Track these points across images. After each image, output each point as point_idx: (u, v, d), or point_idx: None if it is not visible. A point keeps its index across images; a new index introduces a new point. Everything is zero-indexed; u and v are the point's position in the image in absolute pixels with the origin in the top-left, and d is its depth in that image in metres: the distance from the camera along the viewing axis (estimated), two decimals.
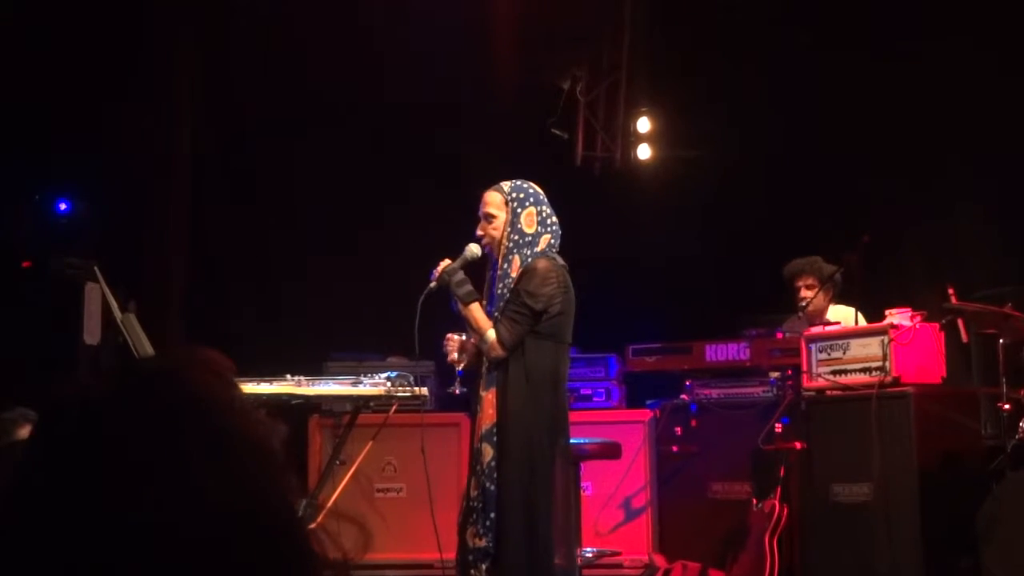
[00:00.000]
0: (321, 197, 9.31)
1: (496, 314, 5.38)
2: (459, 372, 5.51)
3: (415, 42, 9.08)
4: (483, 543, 5.26)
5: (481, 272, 5.59)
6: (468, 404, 5.71)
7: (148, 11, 8.84)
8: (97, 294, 5.66)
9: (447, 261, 5.47)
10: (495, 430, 5.32)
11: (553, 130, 9.61)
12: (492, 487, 5.27)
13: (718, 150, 9.19)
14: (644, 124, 9.76)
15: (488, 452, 5.30)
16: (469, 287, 5.45)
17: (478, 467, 5.33)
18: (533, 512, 5.27)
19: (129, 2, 8.67)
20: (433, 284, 5.44)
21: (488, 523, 5.26)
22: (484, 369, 5.42)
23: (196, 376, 1.14)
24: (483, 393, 5.39)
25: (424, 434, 5.98)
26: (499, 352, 5.35)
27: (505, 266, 5.40)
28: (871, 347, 6.56)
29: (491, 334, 5.35)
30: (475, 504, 5.32)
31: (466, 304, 5.41)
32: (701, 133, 9.43)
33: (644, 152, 9.77)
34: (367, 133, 9.42)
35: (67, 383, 1.14)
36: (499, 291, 5.40)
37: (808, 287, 7.59)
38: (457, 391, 5.58)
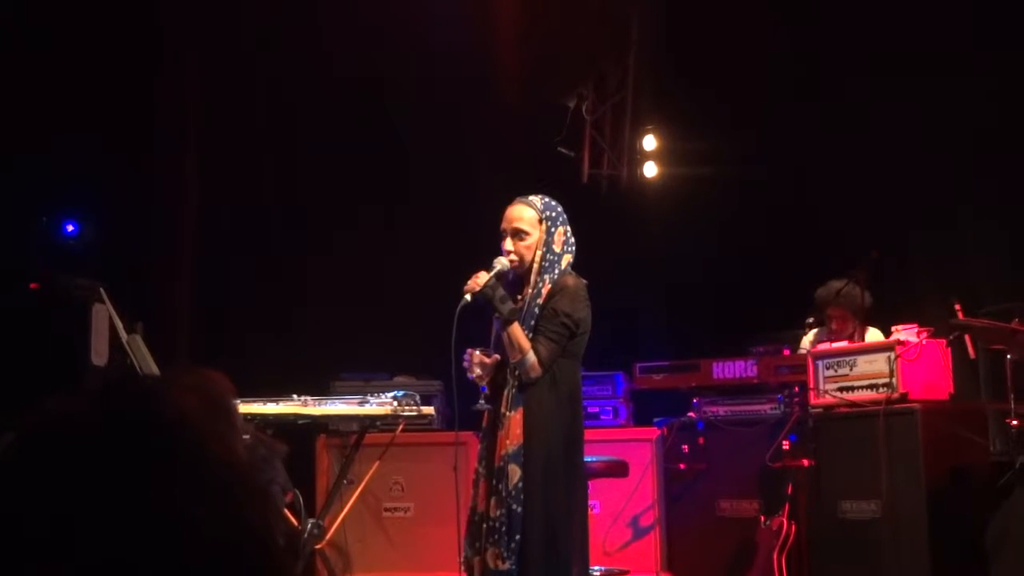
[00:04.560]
0: (328, 217, 9.32)
1: (528, 333, 5.24)
2: (483, 388, 5.35)
3: (420, 62, 9.10)
4: (506, 566, 5.11)
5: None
6: (476, 422, 5.63)
7: (157, 34, 8.87)
8: (104, 315, 5.67)
9: (483, 273, 5.27)
10: (522, 450, 5.18)
11: (560, 148, 9.62)
12: (519, 509, 5.13)
13: (724, 167, 9.19)
14: (650, 142, 9.77)
15: (515, 473, 5.15)
16: (512, 304, 5.27)
17: (501, 487, 5.18)
18: (554, 530, 5.17)
19: (138, 25, 8.69)
20: (469, 297, 5.22)
21: (513, 545, 5.12)
22: (511, 388, 5.25)
23: (175, 399, 1.13)
24: (510, 413, 5.22)
25: (434, 454, 5.97)
26: (539, 372, 5.21)
27: (539, 285, 5.29)
28: (878, 363, 6.56)
29: (532, 355, 5.21)
30: (496, 525, 5.17)
31: (510, 322, 5.22)
32: (707, 151, 9.43)
33: (650, 170, 9.78)
34: (373, 153, 9.44)
35: (42, 401, 1.13)
36: (531, 309, 5.27)
37: (840, 318, 7.55)
38: (484, 407, 5.39)
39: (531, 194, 5.45)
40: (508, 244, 5.35)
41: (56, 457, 1.08)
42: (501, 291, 5.29)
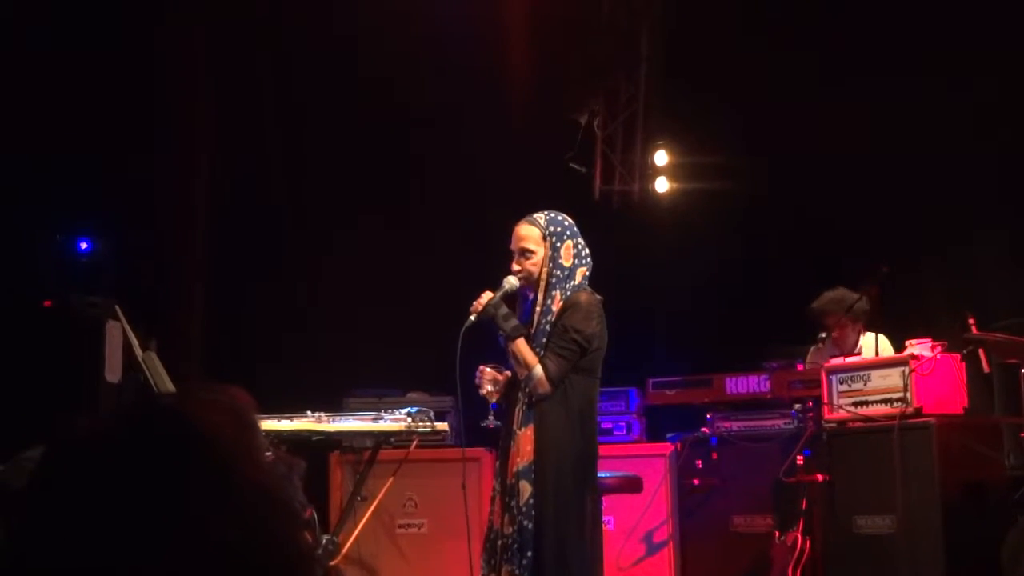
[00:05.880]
0: (340, 234, 9.33)
1: (538, 349, 5.26)
2: (493, 405, 5.38)
3: (432, 82, 9.12)
4: None
5: (511, 306, 5.44)
6: (493, 438, 5.64)
7: (167, 54, 8.89)
8: (118, 332, 5.67)
9: (488, 293, 5.32)
10: (533, 467, 5.19)
11: (571, 164, 9.63)
12: (530, 525, 5.14)
13: (736, 182, 9.19)
14: (661, 157, 9.78)
15: (526, 490, 5.17)
16: (516, 321, 5.31)
17: (513, 504, 5.20)
18: (565, 546, 5.16)
19: (149, 45, 8.72)
20: (473, 317, 5.27)
21: (524, 562, 5.13)
22: (522, 405, 5.27)
23: (204, 415, 1.13)
24: (520, 430, 5.24)
25: (447, 470, 5.96)
26: (546, 388, 5.23)
27: (548, 302, 5.28)
28: (892, 378, 6.54)
29: (539, 370, 5.21)
30: (510, 542, 5.19)
31: (513, 339, 5.26)
32: (718, 165, 9.43)
33: (662, 185, 9.79)
34: (386, 170, 9.45)
35: (74, 419, 1.14)
36: (542, 326, 5.28)
37: (838, 325, 7.55)
38: (492, 425, 5.42)
39: (539, 211, 5.47)
40: (516, 264, 5.39)
41: (87, 474, 1.09)
42: (504, 309, 5.32)
